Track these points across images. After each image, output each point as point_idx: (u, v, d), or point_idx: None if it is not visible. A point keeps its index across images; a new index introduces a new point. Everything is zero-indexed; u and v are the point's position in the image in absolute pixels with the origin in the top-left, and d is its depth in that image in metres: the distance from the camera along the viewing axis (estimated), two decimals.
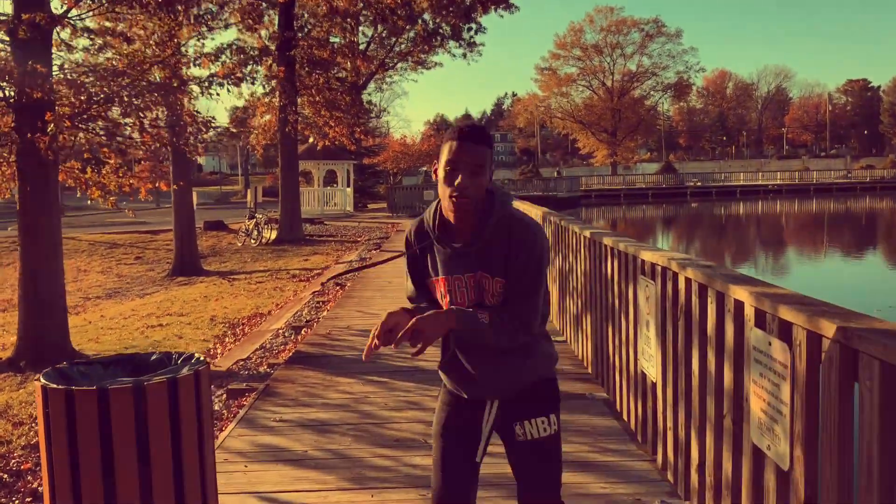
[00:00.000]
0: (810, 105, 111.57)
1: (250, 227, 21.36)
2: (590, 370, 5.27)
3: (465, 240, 2.12)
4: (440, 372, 2.37)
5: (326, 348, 6.72)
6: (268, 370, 6.60)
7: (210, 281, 14.81)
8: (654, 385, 3.48)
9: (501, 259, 2.10)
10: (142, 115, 8.13)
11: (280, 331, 8.46)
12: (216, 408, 5.62)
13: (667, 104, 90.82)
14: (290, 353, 6.85)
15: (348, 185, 33.23)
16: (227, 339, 8.93)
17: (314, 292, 11.06)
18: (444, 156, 2.05)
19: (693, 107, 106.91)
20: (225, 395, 5.88)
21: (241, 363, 7.08)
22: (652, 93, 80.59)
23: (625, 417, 4.19)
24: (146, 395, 2.21)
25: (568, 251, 6.03)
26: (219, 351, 8.34)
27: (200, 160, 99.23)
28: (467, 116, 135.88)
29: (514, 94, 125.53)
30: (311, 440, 4.26)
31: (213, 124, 9.17)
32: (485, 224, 2.09)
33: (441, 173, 2.07)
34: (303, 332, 8.12)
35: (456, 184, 2.01)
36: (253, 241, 20.84)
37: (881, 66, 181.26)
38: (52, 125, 6.66)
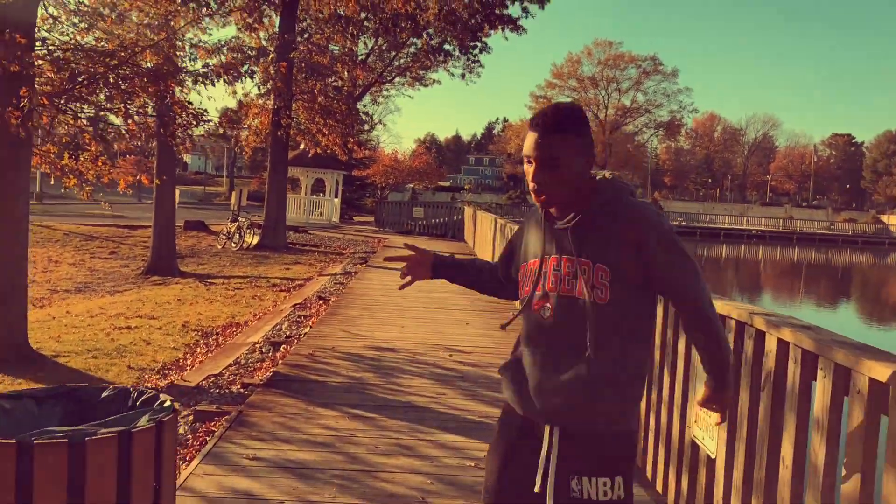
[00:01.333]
0: (795, 155, 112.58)
1: (232, 230, 20.66)
2: None
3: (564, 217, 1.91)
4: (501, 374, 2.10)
5: (308, 371, 6.07)
6: (241, 390, 5.96)
7: (185, 283, 14.12)
8: (710, 461, 2.90)
9: (609, 244, 1.84)
10: (128, 101, 7.52)
11: (257, 345, 7.81)
12: (180, 431, 4.98)
13: (655, 142, 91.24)
14: (268, 374, 6.21)
15: (336, 196, 32.59)
16: (198, 350, 8.27)
17: (295, 305, 10.41)
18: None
19: (681, 147, 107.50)
20: (192, 417, 5.24)
21: (213, 379, 6.43)
22: (644, 129, 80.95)
23: (658, 488, 3.59)
24: (86, 453, 1.59)
25: None
26: (189, 362, 7.68)
27: (186, 158, 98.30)
28: (457, 138, 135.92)
29: (505, 120, 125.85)
30: (289, 487, 3.62)
31: (204, 118, 8.56)
32: (587, 207, 1.88)
33: None
34: (282, 349, 7.48)
35: (529, 180, 1.86)
36: (234, 245, 20.15)
37: (866, 123, 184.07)
38: (25, 100, 6.02)
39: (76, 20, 7.16)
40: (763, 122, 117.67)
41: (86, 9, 7.19)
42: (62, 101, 6.94)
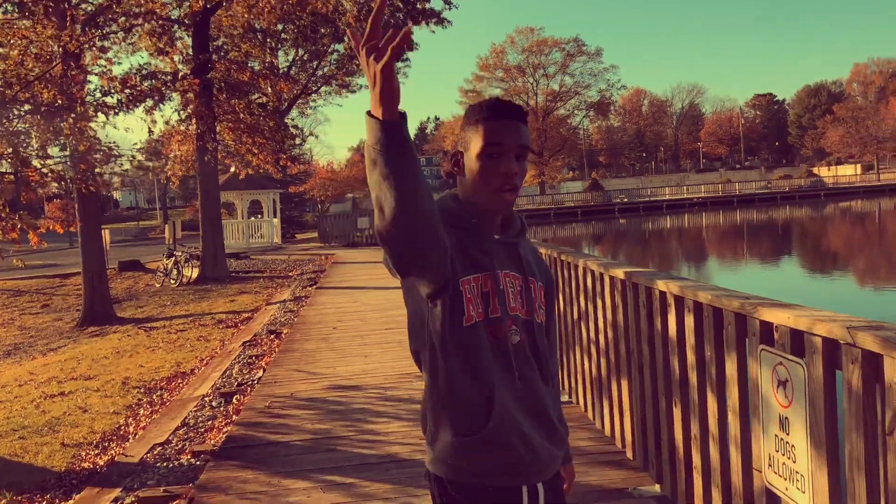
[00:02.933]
0: (723, 119, 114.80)
1: (169, 265, 19.55)
2: (629, 453, 3.98)
3: (499, 231, 1.69)
4: (449, 456, 1.57)
5: (267, 430, 5.26)
6: (192, 461, 5.13)
7: (124, 331, 13.08)
8: None
9: (533, 259, 1.76)
10: (22, 145, 6.57)
11: (206, 398, 6.95)
12: None
13: (587, 123, 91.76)
14: (221, 437, 5.39)
15: (275, 216, 31.49)
16: (141, 411, 7.37)
17: (245, 343, 9.55)
18: (480, 139, 1.61)
19: (611, 125, 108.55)
20: None
21: (159, 450, 5.58)
22: (575, 112, 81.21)
23: None
24: None
25: (577, 293, 4.77)
26: (131, 429, 6.78)
27: (117, 195, 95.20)
28: None
29: (436, 119, 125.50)
30: None
31: (114, 153, 7.66)
32: (514, 215, 1.74)
33: (475, 163, 1.62)
34: (234, 400, 6.64)
35: (503, 171, 1.60)
36: (173, 282, 19.04)
37: (785, 81, 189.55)
38: None
39: None
40: (688, 91, 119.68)
41: None
42: None
